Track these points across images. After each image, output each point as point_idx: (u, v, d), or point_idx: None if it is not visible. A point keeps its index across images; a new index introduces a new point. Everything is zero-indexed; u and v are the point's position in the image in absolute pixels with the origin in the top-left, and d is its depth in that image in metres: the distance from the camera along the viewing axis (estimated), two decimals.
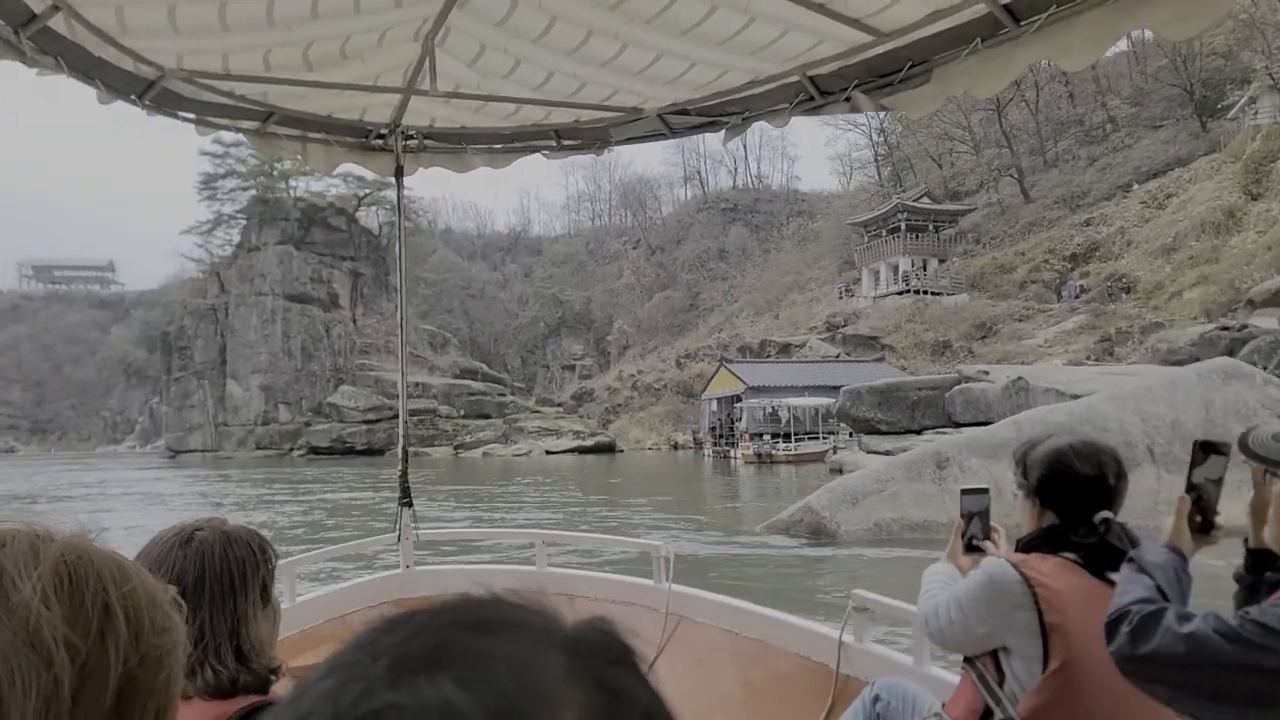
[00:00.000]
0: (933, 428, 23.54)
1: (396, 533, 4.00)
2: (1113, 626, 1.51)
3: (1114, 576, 1.72)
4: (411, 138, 3.81)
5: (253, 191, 70.32)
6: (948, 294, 55.59)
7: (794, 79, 3.01)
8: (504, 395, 67.30)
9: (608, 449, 55.75)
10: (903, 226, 60.42)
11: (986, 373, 23.27)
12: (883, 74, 2.76)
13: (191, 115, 3.21)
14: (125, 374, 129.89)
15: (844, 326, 56.67)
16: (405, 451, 4.18)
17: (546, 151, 3.86)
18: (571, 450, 54.18)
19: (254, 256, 67.11)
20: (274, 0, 2.52)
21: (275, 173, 67.65)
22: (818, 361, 48.89)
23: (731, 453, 43.41)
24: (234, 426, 65.68)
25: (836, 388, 40.87)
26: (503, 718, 0.32)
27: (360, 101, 3.50)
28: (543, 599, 0.39)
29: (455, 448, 58.13)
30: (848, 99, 2.90)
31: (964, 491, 2.12)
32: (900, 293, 58.53)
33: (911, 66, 2.65)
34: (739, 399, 45.58)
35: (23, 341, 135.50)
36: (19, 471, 54.19)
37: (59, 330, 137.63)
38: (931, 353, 49.40)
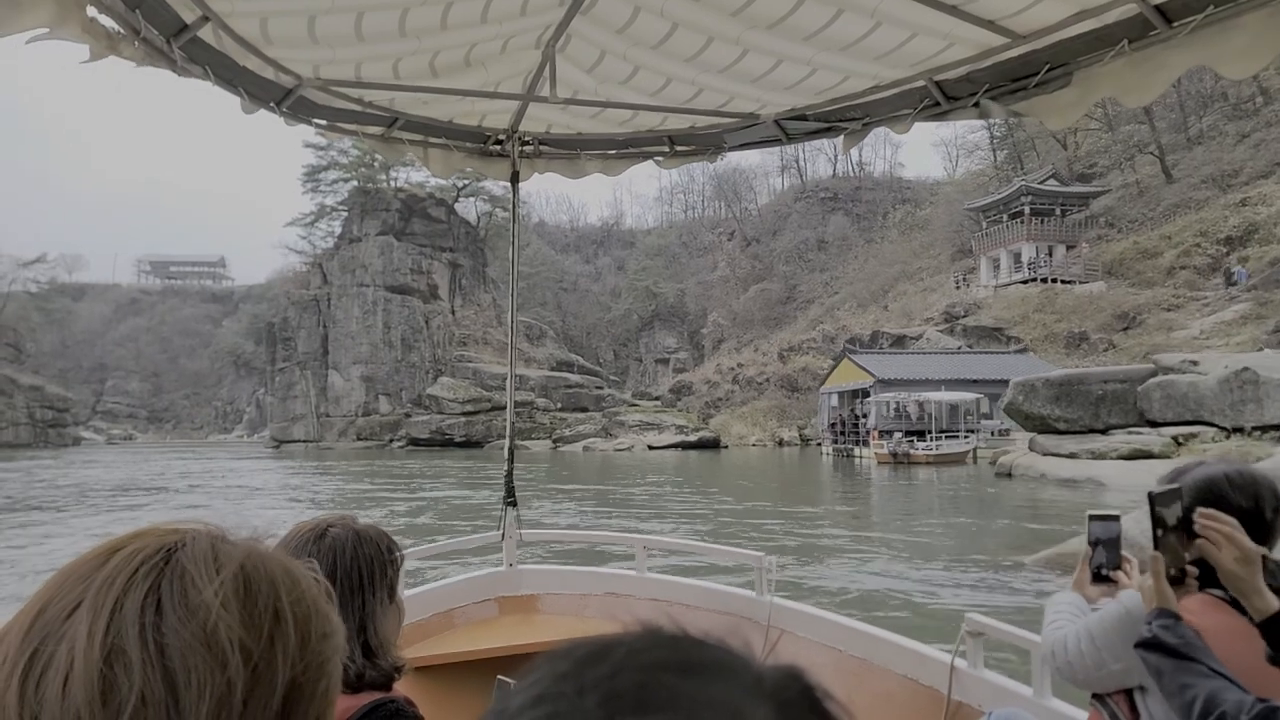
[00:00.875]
0: (1121, 426, 20.34)
1: (501, 531, 4.01)
2: None
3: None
4: (528, 143, 3.85)
5: (354, 183, 70.58)
6: (1080, 282, 51.23)
7: (919, 84, 2.92)
8: (601, 388, 65.71)
9: (712, 445, 53.34)
10: (1026, 211, 56.08)
11: (1195, 362, 19.82)
12: (1016, 78, 2.64)
13: (323, 122, 3.30)
14: (235, 365, 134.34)
15: (964, 317, 52.89)
16: (512, 453, 4.11)
17: (660, 158, 3.85)
18: (674, 445, 51.99)
19: (355, 248, 67.27)
20: (407, 11, 2.60)
21: (376, 164, 67.67)
22: (952, 353, 45.00)
23: (856, 451, 40.27)
24: (335, 417, 65.99)
25: (975, 381, 37.59)
26: None
27: (480, 107, 3.54)
28: (734, 640, 0.40)
29: (554, 441, 56.76)
30: (976, 104, 2.81)
31: (1092, 517, 1.91)
32: (1025, 281, 54.39)
33: (1049, 70, 2.53)
34: (865, 393, 42.19)
35: (141, 334, 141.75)
36: (134, 458, 55.35)
37: (174, 323, 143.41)
38: (1065, 345, 45.38)
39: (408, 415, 63.20)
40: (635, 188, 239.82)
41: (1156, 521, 1.66)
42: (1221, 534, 1.64)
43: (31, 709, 0.51)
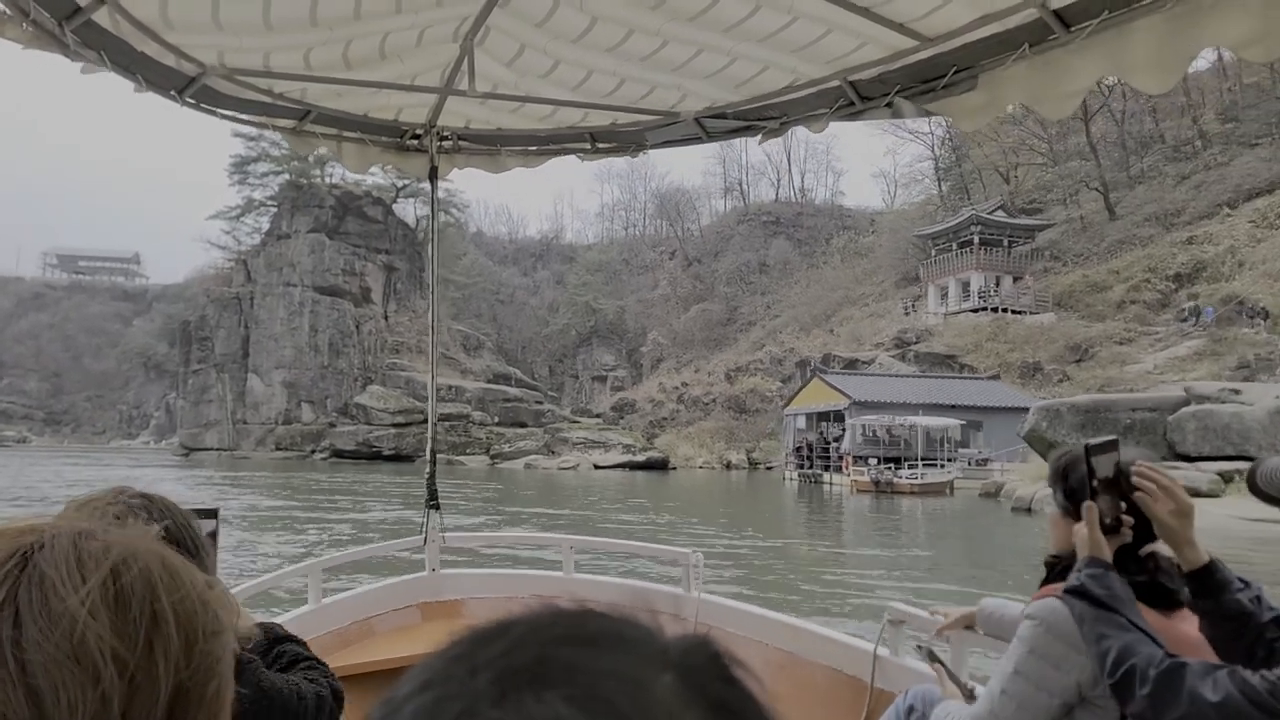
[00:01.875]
0: None
1: (423, 535, 3.92)
2: (1123, 685, 1.47)
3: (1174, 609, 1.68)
4: (446, 138, 3.80)
5: (286, 176, 66.32)
6: (1030, 312, 50.93)
7: (834, 84, 2.96)
8: (541, 403, 62.88)
9: (660, 465, 50.90)
10: (975, 240, 55.81)
11: (1237, 391, 18.24)
12: (926, 79, 2.70)
13: (230, 112, 3.19)
14: (144, 367, 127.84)
15: (915, 343, 52.05)
16: (434, 455, 4.05)
17: (581, 154, 3.82)
18: (621, 465, 49.39)
19: (284, 244, 62.99)
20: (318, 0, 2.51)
21: (310, 158, 63.77)
22: (930, 376, 43.13)
23: (826, 478, 37.98)
24: (253, 424, 61.29)
25: (953, 406, 36.07)
26: None
27: (396, 101, 3.48)
28: (640, 613, 0.37)
29: (492, 457, 53.59)
30: (889, 104, 2.84)
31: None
32: (975, 310, 53.95)
33: (956, 72, 2.58)
34: (836, 416, 40.04)
35: (43, 330, 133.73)
36: (22, 462, 50.27)
37: (80, 321, 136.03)
38: (1020, 375, 44.75)
39: (332, 425, 59.17)
40: (577, 202, 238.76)
41: (1091, 471, 1.65)
42: (1159, 485, 1.62)
43: None
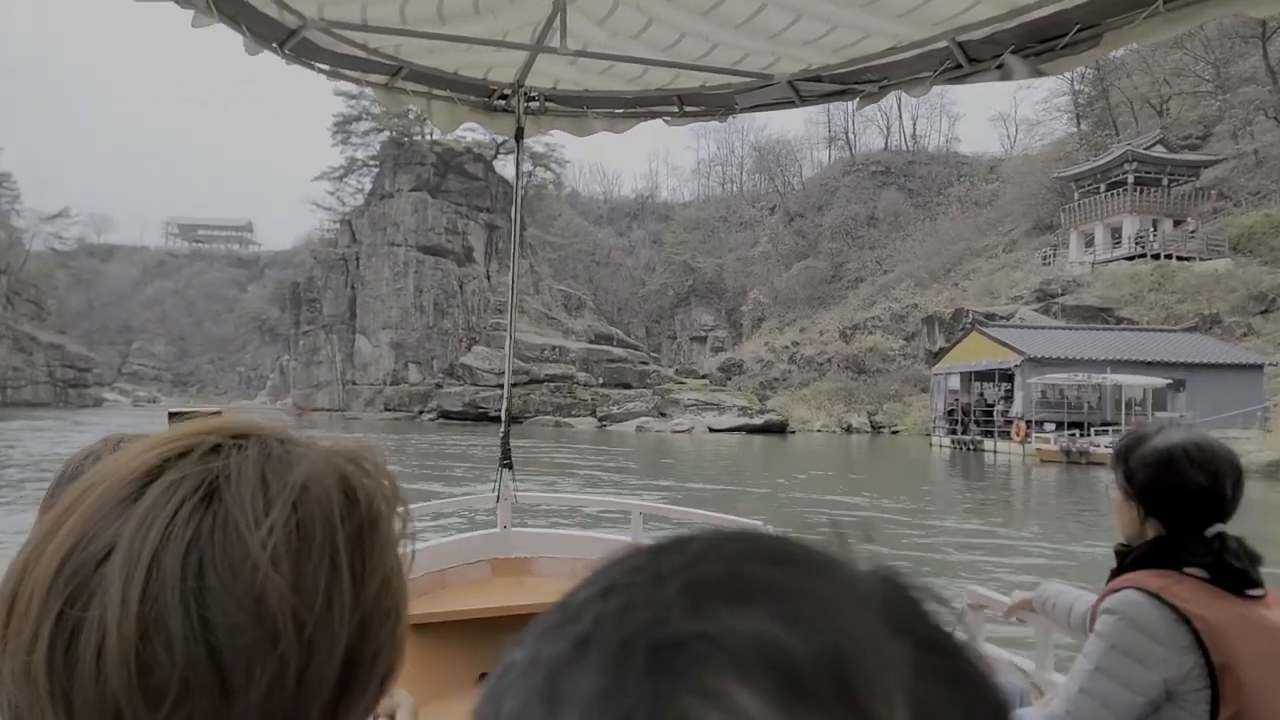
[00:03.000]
0: None
1: (496, 493, 3.91)
2: None
3: (1254, 593, 1.57)
4: (534, 99, 3.75)
5: (387, 135, 64.69)
6: (1200, 259, 44.71)
7: (940, 44, 2.81)
8: (646, 364, 59.96)
9: (778, 429, 47.25)
10: (1130, 180, 49.47)
11: None
12: (1044, 39, 2.53)
13: (326, 66, 3.23)
14: (259, 331, 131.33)
15: (1061, 295, 46.59)
16: (509, 414, 4.10)
17: (668, 118, 3.76)
18: (738, 429, 45.98)
19: (387, 204, 61.49)
20: None
21: (411, 115, 61.86)
22: (1121, 329, 37.23)
23: (988, 445, 33.13)
24: (362, 385, 60.53)
25: (1150, 363, 30.91)
26: (834, 664, 0.25)
27: (486, 59, 3.45)
28: (823, 539, 0.32)
29: (600, 419, 51.06)
30: (1000, 66, 2.69)
31: None
32: (1129, 258, 47.93)
33: (1079, 30, 2.42)
34: (999, 375, 35.02)
35: (168, 297, 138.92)
36: (150, 421, 50.50)
37: (201, 287, 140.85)
38: (1193, 329, 39.13)
39: (438, 386, 57.68)
40: (672, 159, 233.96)
41: None
42: None
43: (62, 684, 0.44)
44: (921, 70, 2.87)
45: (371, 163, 66.27)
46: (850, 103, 3.22)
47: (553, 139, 68.21)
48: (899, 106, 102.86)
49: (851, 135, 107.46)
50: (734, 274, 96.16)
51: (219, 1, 2.46)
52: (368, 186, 65.94)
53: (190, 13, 2.46)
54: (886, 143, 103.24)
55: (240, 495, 0.48)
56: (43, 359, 78.09)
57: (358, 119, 65.22)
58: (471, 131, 62.49)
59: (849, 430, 48.76)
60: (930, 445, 37.87)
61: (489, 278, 63.04)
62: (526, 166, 68.21)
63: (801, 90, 3.23)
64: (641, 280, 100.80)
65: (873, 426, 48.81)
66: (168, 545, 0.45)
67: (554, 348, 57.07)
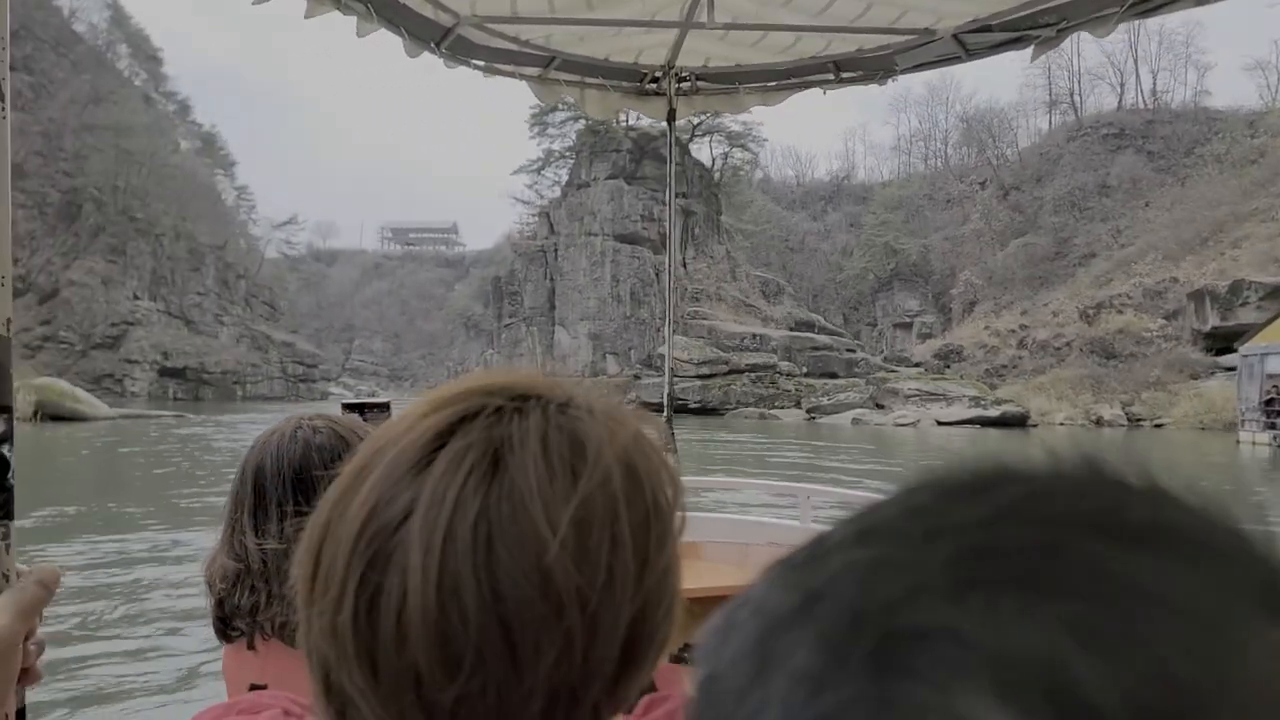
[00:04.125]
0: None
1: None
2: None
3: None
4: (684, 79, 3.74)
5: (583, 123, 64.50)
6: None
7: None
8: (853, 350, 55.87)
9: (1017, 422, 41.79)
10: None
11: None
12: None
13: (481, 62, 3.31)
14: (465, 327, 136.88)
15: None
16: (671, 400, 4.03)
17: (824, 86, 3.66)
18: (969, 421, 41.10)
19: (583, 194, 61.11)
20: None
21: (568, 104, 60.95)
22: None
23: None
24: (562, 376, 60.50)
25: None
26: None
27: (636, 43, 3.46)
28: (1209, 496, 0.22)
29: (808, 411, 47.73)
30: None
31: None
32: None
33: None
34: None
35: (384, 297, 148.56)
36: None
37: (412, 286, 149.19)
38: None
39: (636, 377, 56.49)
40: (870, 136, 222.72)
41: None
42: None
43: (366, 644, 0.46)
44: (1107, 6, 2.67)
45: (568, 154, 66.36)
46: (1027, 52, 3.01)
47: (751, 116, 65.38)
48: (1134, 60, 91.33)
49: (1077, 97, 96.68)
50: (941, 255, 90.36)
51: (378, 6, 2.56)
52: (564, 178, 66.06)
53: (353, 20, 2.57)
54: (1120, 100, 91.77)
55: (524, 465, 0.48)
56: (276, 356, 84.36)
57: (554, 110, 65.44)
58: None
59: (1099, 423, 42.42)
60: (1239, 443, 31.36)
61: (685, 265, 61.17)
62: (721, 148, 65.74)
63: (968, 43, 3.07)
64: (838, 265, 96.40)
65: (1129, 419, 42.20)
66: (459, 513, 0.46)
67: (754, 336, 54.28)
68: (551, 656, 0.45)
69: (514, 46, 3.20)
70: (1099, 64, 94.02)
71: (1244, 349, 34.21)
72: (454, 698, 0.44)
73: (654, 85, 3.59)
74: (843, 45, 3.35)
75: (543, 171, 69.33)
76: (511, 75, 3.35)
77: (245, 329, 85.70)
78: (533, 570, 0.45)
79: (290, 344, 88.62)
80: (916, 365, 57.49)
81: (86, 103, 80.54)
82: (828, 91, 3.60)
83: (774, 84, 3.59)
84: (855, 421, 42.80)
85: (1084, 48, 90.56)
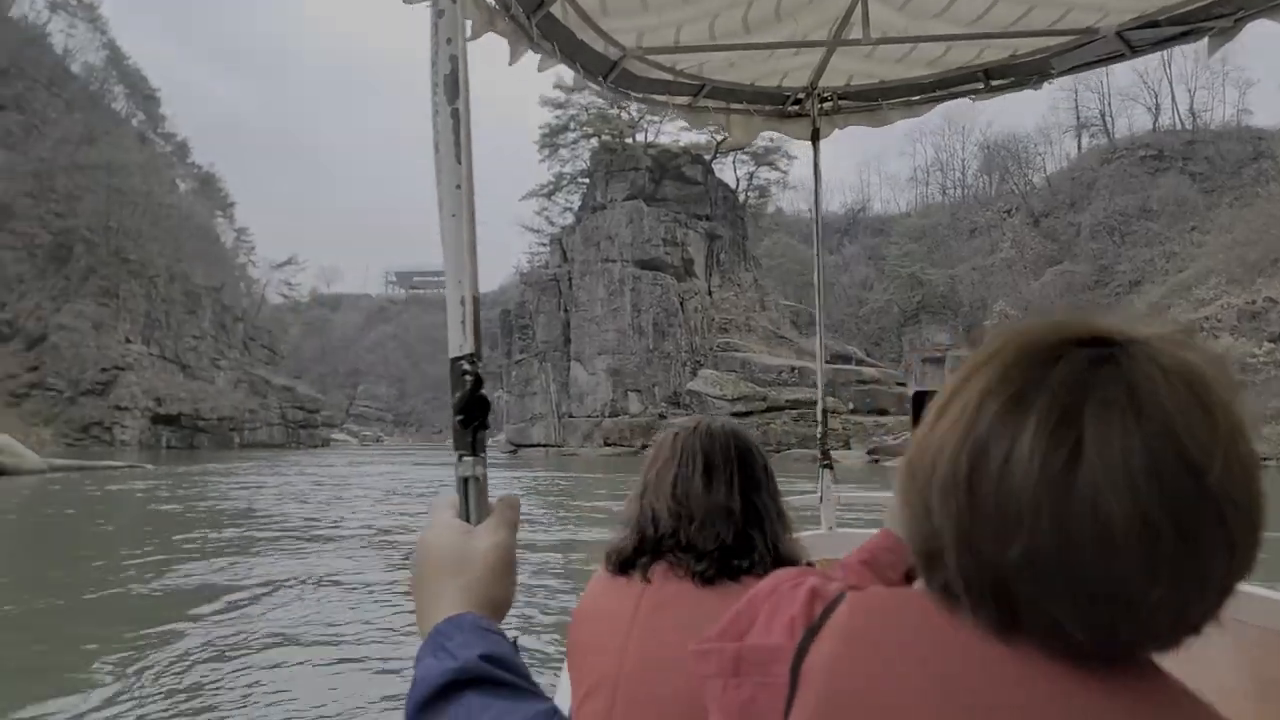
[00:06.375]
0: None
1: (818, 494, 3.75)
2: None
3: None
4: (826, 99, 3.73)
5: (597, 140, 59.26)
6: None
7: None
8: (903, 384, 49.96)
9: None
10: None
11: None
12: None
13: (639, 94, 3.36)
14: None
15: None
16: (825, 414, 3.89)
17: (973, 95, 3.58)
18: None
19: (599, 216, 55.58)
20: None
21: (624, 117, 55.84)
22: None
23: None
24: (579, 418, 54.37)
25: None
26: None
27: (783, 65, 3.49)
28: None
29: (869, 452, 41.65)
30: None
31: None
32: None
33: None
34: None
35: (388, 341, 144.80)
36: (368, 462, 47.03)
37: (417, 330, 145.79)
38: None
39: (662, 416, 50.49)
40: (885, 168, 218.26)
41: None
42: None
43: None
44: None
45: (581, 179, 61.14)
46: (1188, 48, 2.89)
47: (771, 140, 60.51)
48: (1168, 80, 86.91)
49: (1108, 119, 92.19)
50: (970, 285, 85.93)
51: (561, 43, 2.63)
52: (577, 203, 60.76)
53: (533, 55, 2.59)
54: (1156, 121, 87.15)
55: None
56: (275, 401, 79.40)
57: (565, 129, 60.41)
58: (687, 132, 55.85)
59: None
60: None
61: (710, 293, 55.56)
62: (750, 167, 60.60)
63: (1133, 40, 2.94)
64: (859, 299, 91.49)
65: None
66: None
67: (791, 369, 48.46)
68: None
69: (669, 76, 3.29)
70: (1131, 84, 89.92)
71: None
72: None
73: (796, 106, 3.61)
74: (995, 53, 3.23)
75: (553, 196, 64.18)
76: (664, 105, 3.45)
77: (244, 373, 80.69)
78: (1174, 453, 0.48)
79: (290, 388, 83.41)
80: None
81: (79, 142, 76.42)
82: (976, 100, 3.48)
83: (918, 97, 3.51)
84: None
85: (1114, 68, 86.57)
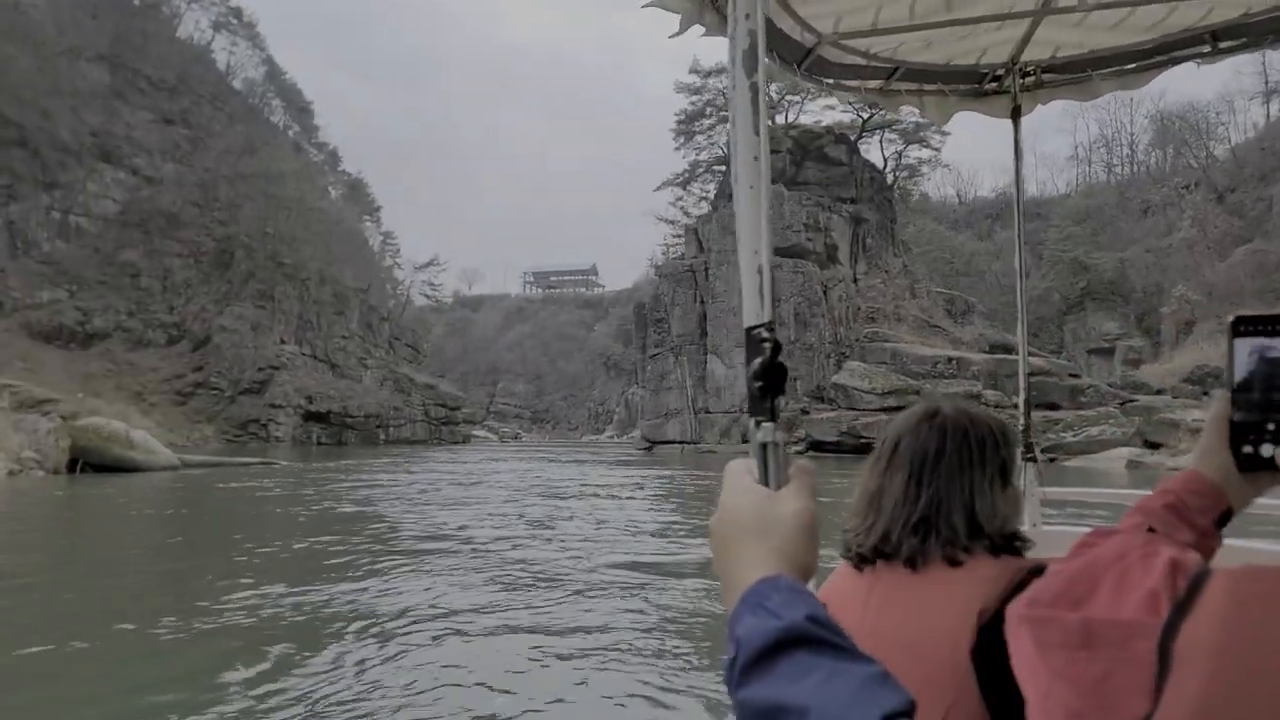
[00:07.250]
0: None
1: (1022, 489, 3.02)
2: None
3: None
4: (1028, 74, 3.49)
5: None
6: None
7: None
8: (1076, 376, 44.79)
9: None
10: None
11: None
12: None
13: (831, 80, 3.30)
14: (605, 367, 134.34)
15: None
16: (1028, 404, 3.70)
17: (1198, 59, 3.23)
18: None
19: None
20: None
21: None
22: None
23: None
24: (716, 413, 51.91)
25: None
26: None
27: (981, 43, 3.33)
28: None
29: (1044, 450, 37.24)
30: None
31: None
32: None
33: None
34: None
35: (526, 339, 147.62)
36: (504, 459, 46.47)
37: (553, 329, 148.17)
38: None
39: (804, 411, 47.32)
40: (1041, 147, 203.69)
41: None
42: None
43: None
44: None
45: (717, 166, 58.57)
46: None
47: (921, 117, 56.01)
48: None
49: None
50: (1142, 270, 78.04)
51: (770, 38, 2.53)
52: (713, 191, 58.23)
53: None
54: None
55: None
56: (419, 399, 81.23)
57: (701, 114, 58.03)
58: (831, 110, 52.29)
59: None
60: None
61: (856, 280, 51.86)
62: (898, 146, 56.30)
63: None
64: (1014, 287, 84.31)
65: None
66: None
67: (949, 359, 44.24)
68: None
69: (862, 61, 3.20)
70: None
71: None
72: None
73: (994, 84, 3.41)
74: (1226, 11, 2.90)
75: (689, 186, 61.81)
76: (855, 90, 3.35)
77: (389, 372, 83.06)
78: None
79: (433, 386, 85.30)
80: (1158, 392, 45.76)
81: (240, 153, 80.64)
82: (1201, 65, 3.16)
83: (1134, 66, 3.23)
84: (1132, 465, 31.74)
85: None
